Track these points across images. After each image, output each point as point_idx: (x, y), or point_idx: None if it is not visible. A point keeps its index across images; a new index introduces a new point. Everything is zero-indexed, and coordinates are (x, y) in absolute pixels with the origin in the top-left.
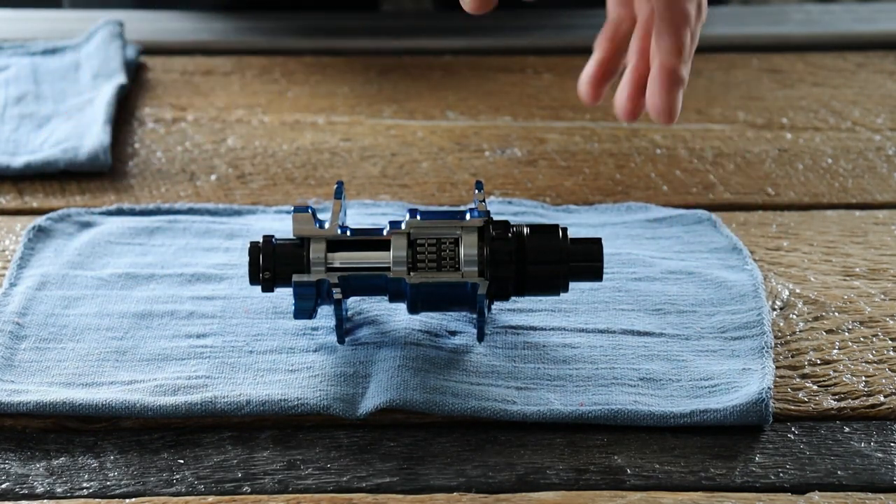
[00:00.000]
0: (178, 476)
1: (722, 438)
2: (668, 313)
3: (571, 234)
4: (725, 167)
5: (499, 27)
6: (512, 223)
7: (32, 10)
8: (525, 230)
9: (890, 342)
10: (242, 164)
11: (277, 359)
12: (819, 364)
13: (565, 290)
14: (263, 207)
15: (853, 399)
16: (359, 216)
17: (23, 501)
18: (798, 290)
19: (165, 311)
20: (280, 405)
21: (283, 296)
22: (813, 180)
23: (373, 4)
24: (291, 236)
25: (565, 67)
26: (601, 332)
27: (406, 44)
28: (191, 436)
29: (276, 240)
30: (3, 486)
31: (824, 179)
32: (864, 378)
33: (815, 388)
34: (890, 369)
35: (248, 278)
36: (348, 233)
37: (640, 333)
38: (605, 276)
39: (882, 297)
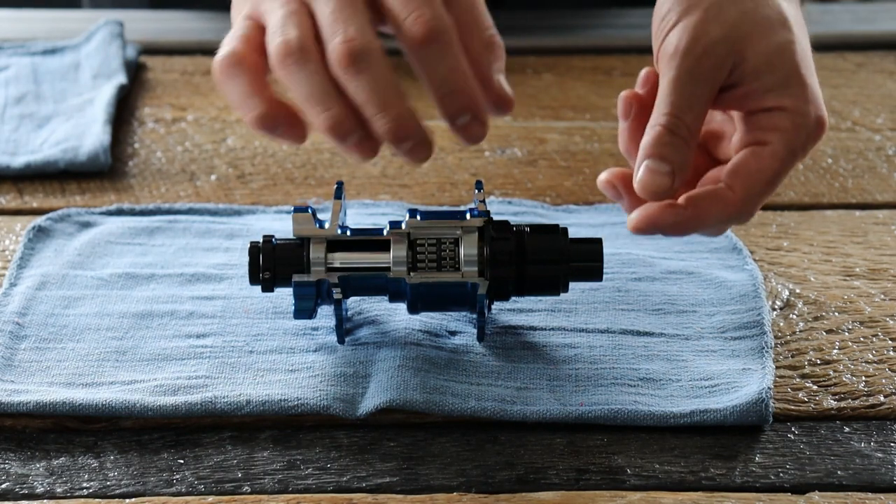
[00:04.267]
0: (178, 476)
1: (722, 438)
2: (668, 313)
3: (571, 234)
4: None
5: (499, 27)
6: (512, 223)
7: (32, 10)
8: (525, 230)
9: (890, 342)
10: (242, 164)
11: (277, 359)
12: (819, 364)
13: (565, 290)
14: (263, 207)
15: (853, 399)
16: (359, 216)
17: (23, 501)
18: (798, 290)
19: (165, 311)
20: (280, 405)
21: (283, 296)
22: (813, 180)
23: None
24: (291, 236)
25: (565, 67)
26: (601, 332)
27: None
28: (191, 436)
29: (276, 240)
30: (3, 486)
31: (824, 179)
32: (864, 378)
33: (815, 388)
34: (890, 369)
35: (248, 278)
36: (348, 233)
37: (640, 333)
38: (605, 276)
39: (882, 297)
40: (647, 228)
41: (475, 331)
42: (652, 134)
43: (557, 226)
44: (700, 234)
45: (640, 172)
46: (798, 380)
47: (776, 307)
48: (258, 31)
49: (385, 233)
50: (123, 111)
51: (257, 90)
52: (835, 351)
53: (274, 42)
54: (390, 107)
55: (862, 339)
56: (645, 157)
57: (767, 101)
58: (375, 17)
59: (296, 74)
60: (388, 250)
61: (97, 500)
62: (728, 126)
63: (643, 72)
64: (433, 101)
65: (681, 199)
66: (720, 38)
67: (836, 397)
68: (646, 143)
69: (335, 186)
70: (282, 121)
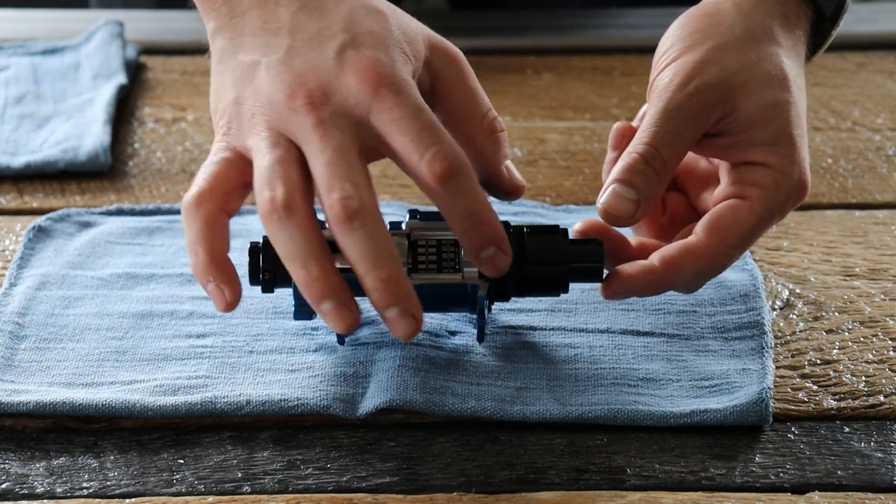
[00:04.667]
0: (178, 476)
1: (722, 438)
2: (668, 313)
3: (571, 234)
4: None
5: (499, 27)
6: (512, 223)
7: (33, 10)
8: (525, 230)
9: (890, 342)
10: None
11: (277, 359)
12: (819, 364)
13: (565, 290)
14: None
15: (853, 399)
16: None
17: (23, 501)
18: (798, 290)
19: (165, 311)
20: (280, 405)
21: (283, 296)
22: (813, 180)
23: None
24: None
25: (565, 67)
26: (601, 332)
27: None
28: (191, 436)
29: None
30: (3, 486)
31: (824, 179)
32: (864, 378)
33: (815, 388)
34: (890, 369)
35: (248, 278)
36: None
37: (640, 333)
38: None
39: (882, 297)
40: (622, 293)
41: (475, 331)
42: (626, 160)
43: (557, 226)
44: (675, 290)
45: (606, 195)
46: (798, 380)
47: (776, 307)
48: (237, 167)
49: None
50: (123, 111)
51: (205, 237)
52: (835, 351)
53: (260, 196)
54: (381, 266)
55: (862, 339)
56: (614, 181)
57: (753, 156)
58: (369, 155)
59: (278, 232)
60: None
61: (97, 500)
62: (711, 176)
63: (644, 107)
64: (455, 234)
65: (653, 258)
66: (716, 81)
67: (836, 397)
68: (618, 167)
69: None
70: (213, 278)
